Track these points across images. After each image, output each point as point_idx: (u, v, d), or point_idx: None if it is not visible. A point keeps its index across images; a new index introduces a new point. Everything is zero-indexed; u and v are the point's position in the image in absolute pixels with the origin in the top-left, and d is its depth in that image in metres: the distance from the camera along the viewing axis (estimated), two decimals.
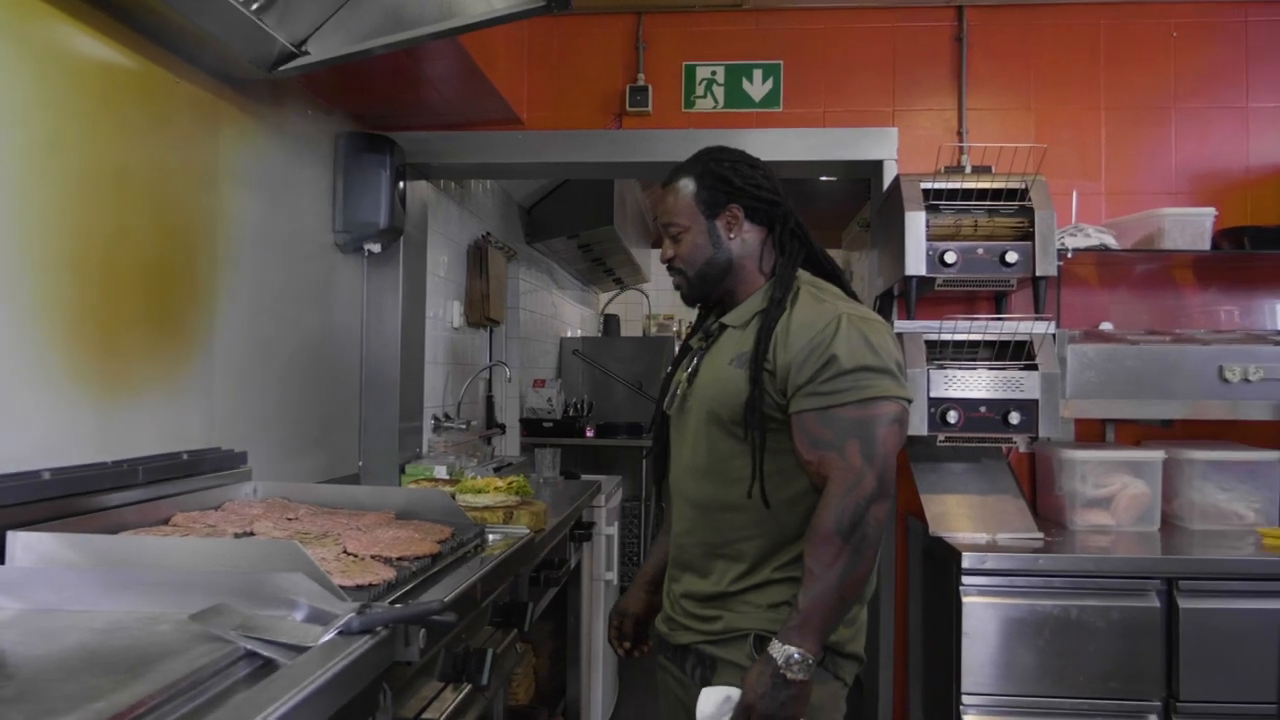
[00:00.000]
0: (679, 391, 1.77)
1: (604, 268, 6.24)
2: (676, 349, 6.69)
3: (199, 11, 1.88)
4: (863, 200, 4.14)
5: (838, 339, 1.57)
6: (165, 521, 1.83)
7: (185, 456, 2.00)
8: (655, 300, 7.69)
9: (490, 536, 2.07)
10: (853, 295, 1.76)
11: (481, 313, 3.95)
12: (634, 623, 1.92)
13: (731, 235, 1.74)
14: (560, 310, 6.35)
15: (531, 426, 5.11)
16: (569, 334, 6.54)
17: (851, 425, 1.55)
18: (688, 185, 1.75)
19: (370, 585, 1.44)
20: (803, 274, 1.74)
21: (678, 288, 1.80)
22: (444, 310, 3.70)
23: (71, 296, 1.77)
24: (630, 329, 7.71)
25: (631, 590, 1.95)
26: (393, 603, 1.46)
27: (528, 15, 2.13)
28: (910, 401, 1.61)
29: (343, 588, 1.39)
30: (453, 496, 2.32)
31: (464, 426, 3.56)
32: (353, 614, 1.23)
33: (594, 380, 6.13)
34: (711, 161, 1.76)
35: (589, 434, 5.29)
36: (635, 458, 5.49)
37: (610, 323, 7.57)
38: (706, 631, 1.70)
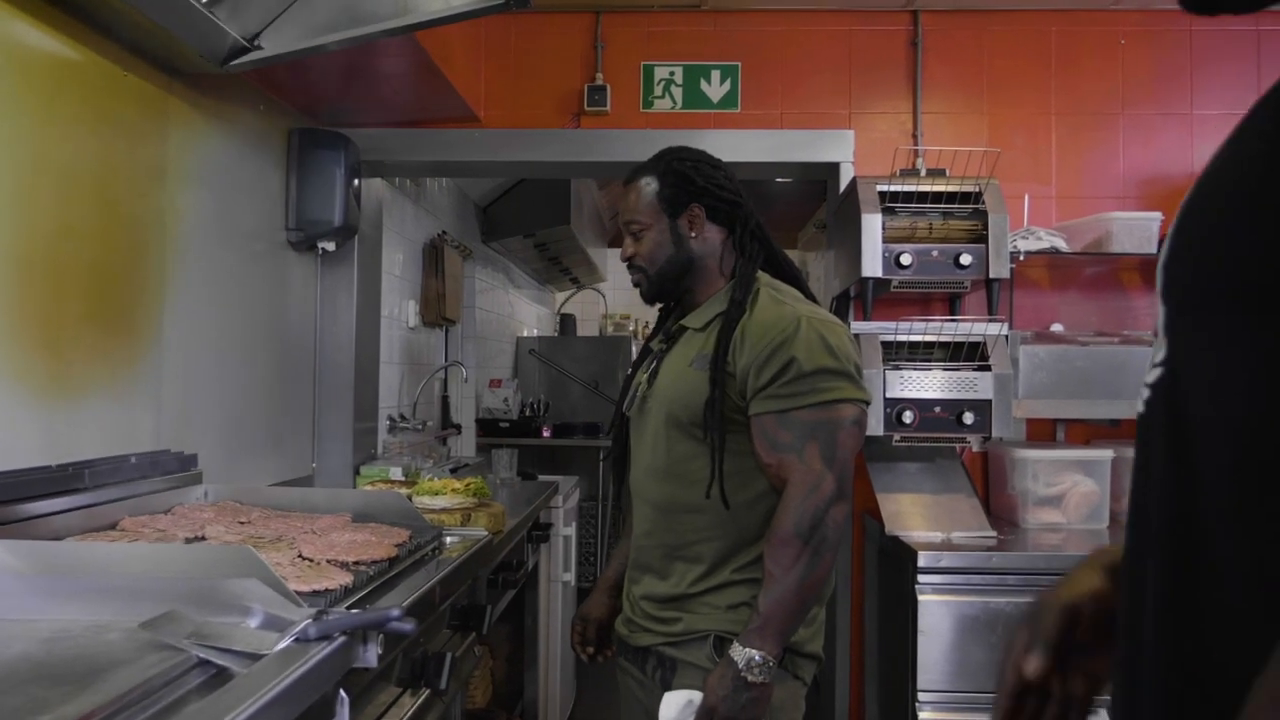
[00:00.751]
0: (639, 393, 1.76)
1: (560, 267, 6.22)
2: (634, 349, 6.71)
3: (148, 3, 1.84)
4: (819, 202, 4.17)
5: (797, 341, 1.58)
6: (113, 526, 1.78)
7: (133, 459, 1.95)
8: (612, 300, 7.68)
9: (448, 539, 2.05)
10: (811, 297, 1.77)
11: (438, 312, 3.91)
12: (597, 627, 1.91)
13: (693, 234, 1.74)
14: (516, 309, 6.32)
15: (488, 427, 5.07)
16: (525, 333, 6.51)
17: (810, 428, 1.55)
18: (650, 184, 1.75)
19: (327, 590, 1.42)
20: (763, 276, 1.74)
21: (637, 285, 1.79)
22: (399, 310, 3.66)
23: (14, 295, 1.72)
24: (587, 328, 7.69)
25: (593, 595, 1.95)
26: (350, 608, 1.44)
27: (486, 13, 2.11)
28: (868, 403, 1.62)
29: (298, 593, 1.36)
30: (409, 499, 2.30)
31: (420, 427, 3.52)
32: (309, 620, 1.21)
33: (550, 380, 6.11)
34: (674, 160, 1.76)
35: (546, 434, 5.26)
36: (592, 458, 5.48)
37: (567, 322, 7.55)
38: (666, 633, 1.69)
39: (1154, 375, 0.68)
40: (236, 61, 2.14)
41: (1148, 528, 0.66)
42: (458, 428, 4.62)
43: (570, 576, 3.54)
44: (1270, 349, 0.57)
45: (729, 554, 1.65)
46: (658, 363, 1.76)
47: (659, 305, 1.85)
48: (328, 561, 1.58)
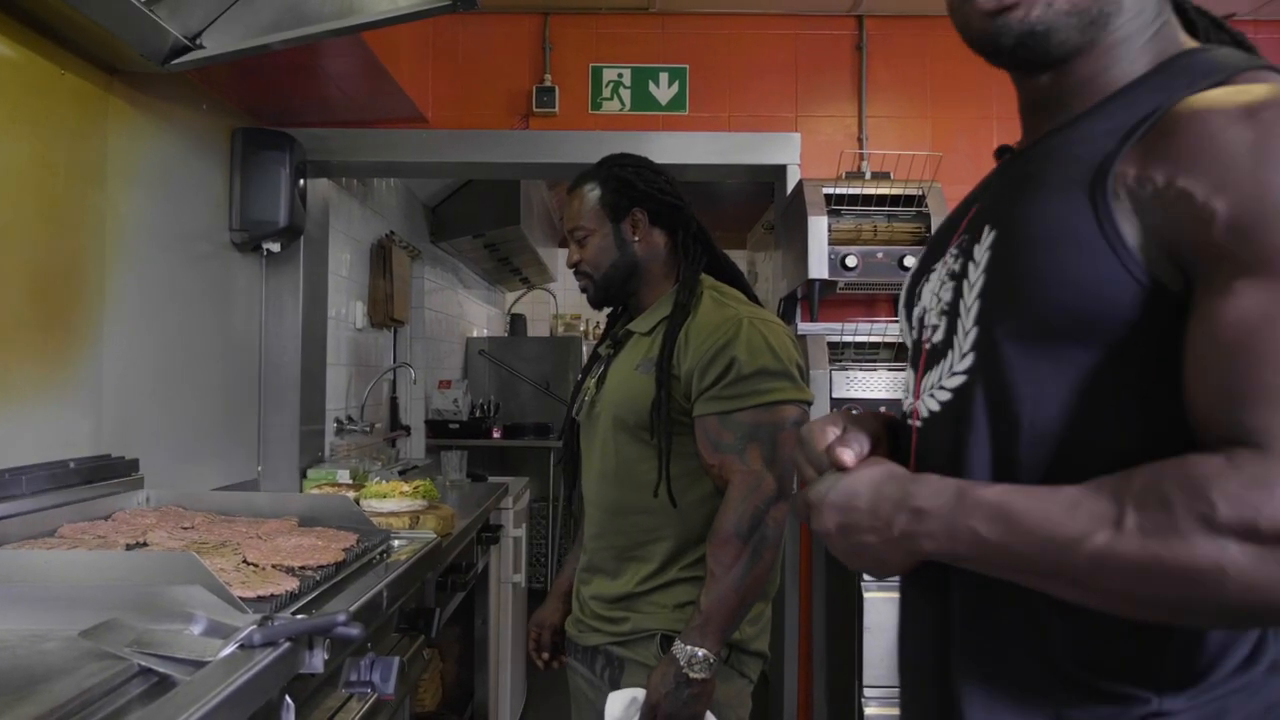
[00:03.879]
0: (588, 398, 1.78)
1: (511, 267, 6.20)
2: (584, 349, 6.71)
3: (85, 2, 1.80)
4: (767, 202, 4.21)
5: (738, 342, 1.60)
6: (51, 533, 1.75)
7: (72, 465, 1.92)
8: (563, 300, 7.67)
9: (396, 542, 2.03)
10: (754, 298, 1.79)
11: (385, 313, 3.88)
12: (552, 633, 1.92)
13: (636, 238, 1.76)
14: (466, 310, 6.28)
15: (437, 428, 5.05)
16: (475, 334, 6.48)
17: (751, 429, 1.58)
18: (593, 190, 1.77)
19: (272, 595, 1.41)
20: (706, 279, 1.77)
21: (584, 290, 1.81)
22: (346, 310, 3.63)
23: None
24: (537, 328, 7.68)
25: (548, 601, 1.96)
26: (296, 613, 1.43)
27: (433, 14, 2.10)
28: (810, 403, 1.65)
29: (243, 599, 1.35)
30: (357, 502, 2.28)
31: (368, 430, 3.49)
32: (253, 626, 1.20)
33: (501, 380, 6.09)
34: (615, 166, 1.78)
35: (496, 435, 5.25)
36: (543, 458, 5.48)
37: (517, 322, 7.52)
38: (614, 633, 1.71)
39: (956, 380, 0.86)
40: (178, 61, 2.11)
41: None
42: (406, 429, 4.59)
43: (520, 578, 3.54)
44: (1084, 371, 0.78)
45: (677, 553, 1.67)
46: (605, 367, 1.77)
47: (607, 310, 1.86)
48: (273, 566, 1.56)
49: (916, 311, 0.98)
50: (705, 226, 1.80)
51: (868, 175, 2.93)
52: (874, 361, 2.70)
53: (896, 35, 3.09)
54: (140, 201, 2.30)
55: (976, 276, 0.87)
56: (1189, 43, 0.89)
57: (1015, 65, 0.91)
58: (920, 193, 2.70)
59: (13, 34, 1.85)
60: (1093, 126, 0.84)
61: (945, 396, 0.89)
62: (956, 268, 0.91)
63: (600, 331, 1.96)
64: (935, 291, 0.94)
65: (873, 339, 2.71)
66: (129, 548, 1.66)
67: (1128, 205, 0.77)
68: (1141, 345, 0.77)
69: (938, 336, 0.92)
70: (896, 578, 0.93)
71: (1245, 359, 0.69)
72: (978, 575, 0.80)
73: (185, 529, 1.87)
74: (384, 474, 3.25)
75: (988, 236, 0.86)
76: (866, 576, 2.41)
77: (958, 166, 2.99)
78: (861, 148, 3.08)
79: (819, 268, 2.62)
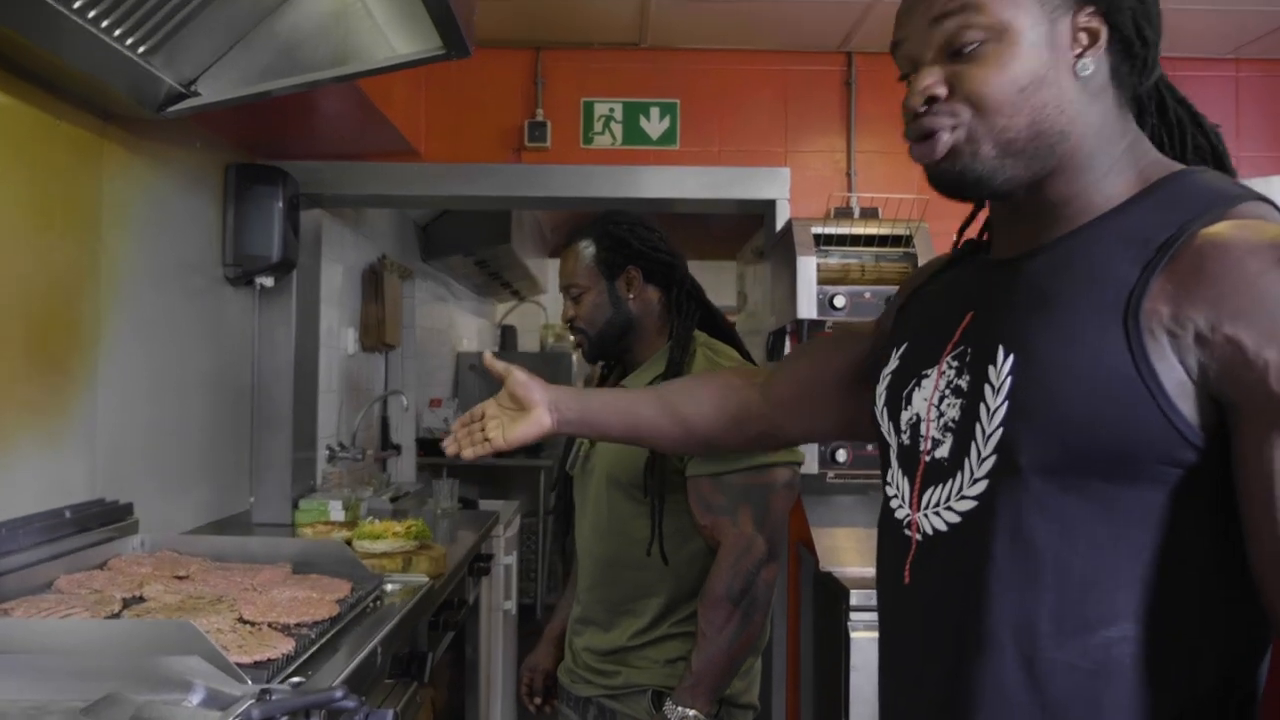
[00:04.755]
0: (581, 452, 1.80)
1: (501, 281, 6.22)
2: (574, 363, 6.70)
3: (78, 55, 1.81)
4: (759, 220, 4.23)
5: None
6: (48, 586, 1.76)
7: (68, 514, 1.93)
8: (552, 311, 7.69)
9: (388, 586, 2.06)
10: (746, 355, 1.82)
11: (378, 338, 3.90)
12: (544, 677, 1.95)
13: (630, 295, 1.78)
14: (456, 322, 6.29)
15: (428, 447, 5.06)
16: (465, 347, 6.49)
17: (742, 491, 1.60)
18: (588, 248, 1.79)
19: (269, 661, 1.43)
20: (699, 335, 1.79)
21: (578, 346, 1.83)
22: (338, 337, 3.64)
23: None
24: (527, 339, 7.69)
25: (540, 646, 1.99)
26: (292, 674, 1.45)
27: (427, 62, 2.13)
28: (800, 464, 1.68)
29: (240, 665, 1.37)
30: (349, 543, 2.31)
31: (359, 457, 3.51)
32: (252, 701, 1.22)
33: (491, 395, 6.09)
34: (610, 224, 1.80)
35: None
36: (532, 475, 5.50)
37: (508, 334, 7.54)
38: (607, 685, 1.74)
39: (968, 505, 0.88)
40: (174, 108, 2.12)
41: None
42: (397, 448, 4.60)
43: (511, 604, 3.56)
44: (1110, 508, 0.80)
45: (669, 609, 1.70)
46: None
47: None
48: (269, 625, 1.58)
49: (906, 417, 0.97)
50: (699, 284, 1.84)
51: (856, 213, 2.97)
52: None
53: (885, 71, 3.10)
54: (135, 242, 2.31)
55: (997, 403, 0.86)
56: (1169, 162, 0.92)
57: (963, 201, 0.94)
58: (908, 232, 2.73)
59: (8, 86, 1.86)
60: (1099, 251, 0.85)
61: (954, 519, 0.89)
62: (963, 385, 0.91)
63: (594, 377, 1.99)
64: (934, 403, 0.94)
65: None
66: (126, 602, 1.68)
67: (1165, 345, 0.78)
68: (1176, 483, 0.79)
69: (941, 453, 0.91)
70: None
71: None
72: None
73: (180, 578, 1.89)
74: (374, 501, 3.27)
75: (1004, 360, 0.86)
76: (854, 616, 2.45)
77: (944, 205, 3.03)
78: (850, 182, 3.11)
79: (808, 308, 2.65)
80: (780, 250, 2.90)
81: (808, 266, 2.65)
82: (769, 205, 3.11)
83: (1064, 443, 0.81)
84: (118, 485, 2.21)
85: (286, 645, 1.49)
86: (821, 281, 2.67)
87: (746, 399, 1.30)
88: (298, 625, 1.61)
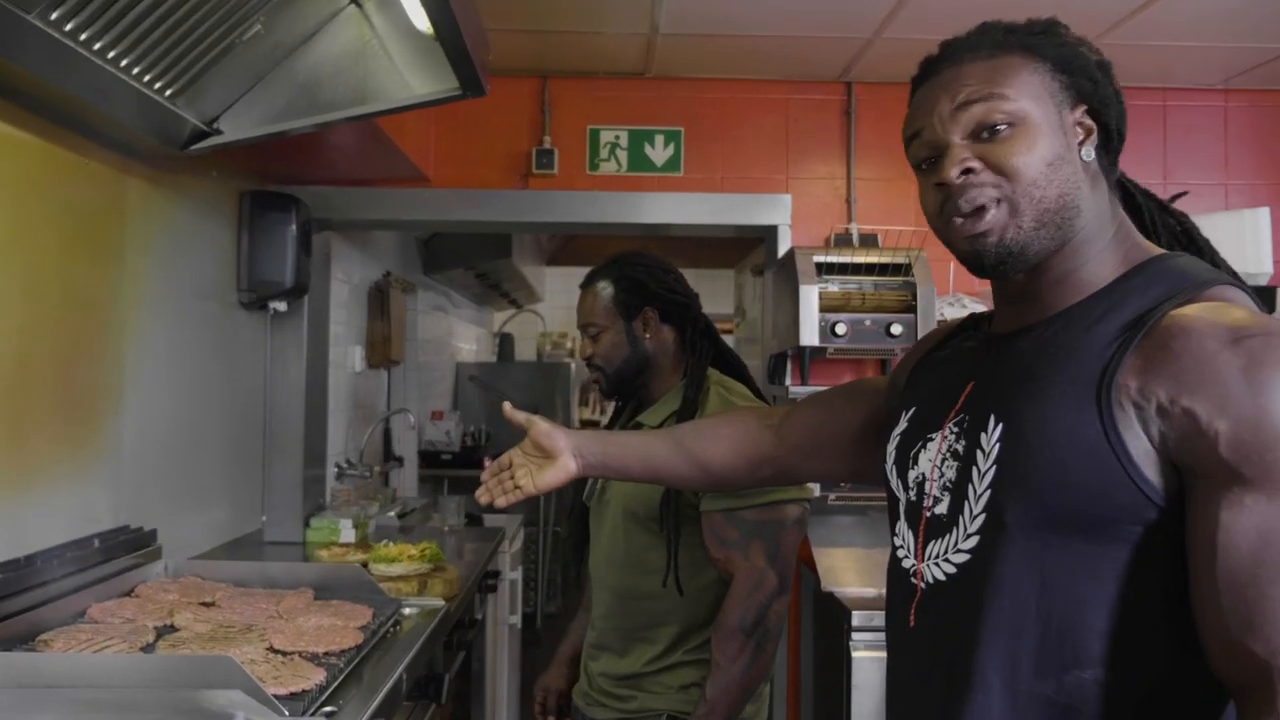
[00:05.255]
0: (598, 485, 1.87)
1: (500, 291, 6.29)
2: (573, 372, 6.74)
3: (106, 99, 1.87)
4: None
5: None
6: (81, 614, 1.83)
7: (97, 543, 1.99)
8: (550, 319, 7.76)
9: (405, 609, 2.13)
10: (758, 392, 1.89)
11: (383, 355, 3.96)
12: (557, 697, 2.02)
13: (647, 335, 1.85)
14: (455, 332, 6.35)
15: (430, 458, 5.12)
16: (464, 358, 6.55)
17: (755, 527, 1.68)
18: (606, 289, 1.86)
19: (304, 692, 1.50)
20: (713, 373, 1.87)
21: (596, 383, 1.90)
22: (346, 356, 3.70)
23: None
24: (524, 346, 7.74)
25: (553, 667, 2.06)
26: (323, 704, 1.52)
27: (445, 101, 2.18)
28: (810, 500, 1.75)
29: (277, 697, 1.44)
30: (365, 565, 2.37)
31: (367, 474, 3.57)
32: None
33: (490, 407, 6.16)
34: (627, 266, 1.87)
35: (487, 464, 5.31)
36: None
37: (506, 342, 7.60)
38: (622, 710, 1.81)
39: (962, 558, 0.97)
40: (198, 146, 2.18)
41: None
42: (400, 461, 4.66)
43: (516, 618, 3.62)
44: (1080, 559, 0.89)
45: (682, 637, 1.77)
46: None
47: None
48: (299, 655, 1.65)
49: (914, 475, 1.07)
50: (712, 323, 1.91)
51: (856, 240, 3.04)
52: None
53: (884, 101, 3.20)
54: (155, 271, 2.37)
55: (987, 466, 0.95)
56: (1151, 247, 1.01)
57: (998, 277, 1.01)
58: (907, 260, 2.81)
59: (43, 130, 1.92)
60: (1085, 329, 0.94)
61: (951, 570, 0.98)
62: (960, 449, 1.00)
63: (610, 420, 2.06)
64: (937, 464, 1.03)
65: None
66: (159, 632, 1.75)
67: (1132, 416, 0.87)
68: (1142, 541, 0.88)
69: (940, 509, 1.01)
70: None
71: (1252, 581, 0.81)
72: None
73: (206, 605, 1.95)
74: (382, 518, 3.33)
75: (995, 428, 0.96)
76: (855, 636, 2.52)
77: None
78: (850, 209, 3.19)
79: (810, 335, 2.72)
80: (782, 275, 2.98)
81: (810, 295, 2.73)
82: (771, 231, 3.18)
83: (1044, 504, 0.90)
84: (140, 511, 2.27)
85: (318, 675, 1.55)
86: (823, 309, 2.74)
87: (761, 441, 1.37)
88: (326, 654, 1.68)
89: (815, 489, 2.69)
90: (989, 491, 0.94)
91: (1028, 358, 0.97)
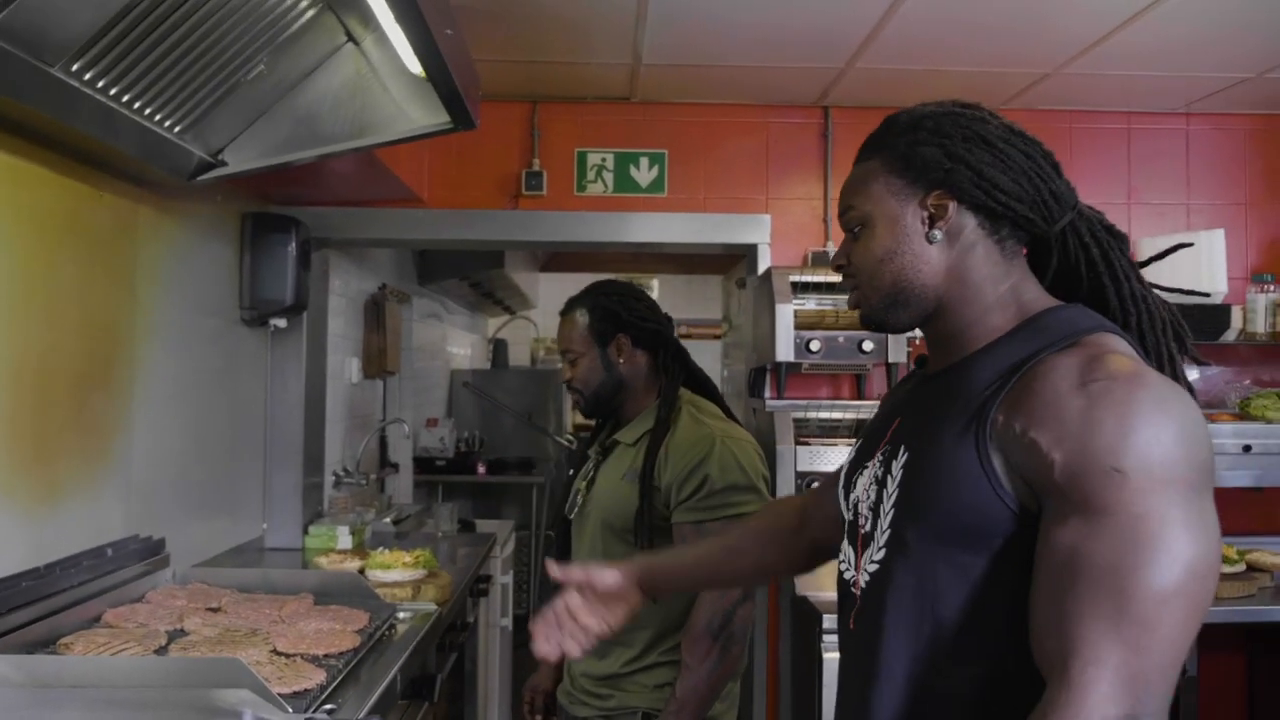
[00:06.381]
0: (578, 499, 2.01)
1: (494, 299, 6.42)
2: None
3: (116, 135, 1.98)
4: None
5: (711, 460, 1.84)
6: (97, 619, 1.96)
7: (109, 552, 2.12)
8: (543, 325, 7.89)
9: (400, 614, 2.26)
10: (728, 411, 2.03)
11: (379, 366, 4.09)
12: (544, 697, 2.16)
13: (621, 360, 1.99)
14: (450, 339, 6.48)
15: (424, 465, 5.25)
16: (458, 365, 6.68)
17: None
18: (582, 316, 2.00)
19: (306, 691, 1.63)
20: (684, 393, 2.00)
21: (576, 405, 2.04)
22: (343, 367, 3.83)
23: (6, 414, 1.88)
24: (518, 352, 7.87)
25: (541, 669, 2.20)
26: (324, 702, 1.65)
27: (436, 135, 2.31)
28: None
29: (281, 695, 1.57)
30: (362, 571, 2.51)
31: (363, 482, 3.70)
32: None
33: (484, 412, 6.29)
34: (601, 295, 2.01)
35: (481, 471, 5.45)
36: (525, 492, 5.70)
37: (499, 348, 7.72)
38: (602, 707, 1.95)
39: (873, 567, 1.13)
40: (204, 177, 2.31)
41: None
42: (395, 467, 4.79)
43: (507, 621, 3.76)
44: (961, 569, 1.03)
45: (657, 639, 1.91)
46: (595, 471, 2.01)
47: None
48: (301, 657, 1.78)
49: (853, 498, 1.22)
50: (683, 346, 2.05)
51: (831, 259, 3.17)
52: (835, 437, 2.94)
53: (860, 125, 3.33)
54: (164, 294, 2.50)
55: (893, 489, 1.11)
56: (1047, 299, 1.14)
57: (889, 332, 1.21)
58: None
59: (58, 165, 2.06)
60: (974, 374, 1.09)
61: (867, 579, 1.14)
62: (879, 474, 1.16)
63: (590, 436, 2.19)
64: (867, 488, 1.18)
65: (834, 415, 2.96)
66: (170, 635, 1.88)
67: (998, 444, 1.02)
68: (1012, 551, 1.01)
69: (866, 527, 1.16)
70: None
71: (1059, 586, 0.94)
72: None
73: (213, 610, 2.08)
74: (378, 524, 3.46)
75: (902, 456, 1.12)
76: (826, 639, 2.66)
77: None
78: (826, 229, 3.33)
79: (786, 352, 2.86)
80: (761, 292, 3.12)
81: (785, 313, 2.86)
82: (751, 249, 3.32)
83: (930, 521, 1.05)
84: (149, 520, 2.40)
85: (319, 676, 1.69)
86: (799, 326, 2.88)
87: (791, 544, 1.49)
88: (326, 656, 1.81)
89: (785, 484, 2.82)
90: (893, 511, 1.10)
91: (933, 398, 1.13)
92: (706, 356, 7.18)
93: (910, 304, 1.13)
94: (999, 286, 1.13)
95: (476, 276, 5.32)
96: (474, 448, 5.81)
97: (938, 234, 1.11)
